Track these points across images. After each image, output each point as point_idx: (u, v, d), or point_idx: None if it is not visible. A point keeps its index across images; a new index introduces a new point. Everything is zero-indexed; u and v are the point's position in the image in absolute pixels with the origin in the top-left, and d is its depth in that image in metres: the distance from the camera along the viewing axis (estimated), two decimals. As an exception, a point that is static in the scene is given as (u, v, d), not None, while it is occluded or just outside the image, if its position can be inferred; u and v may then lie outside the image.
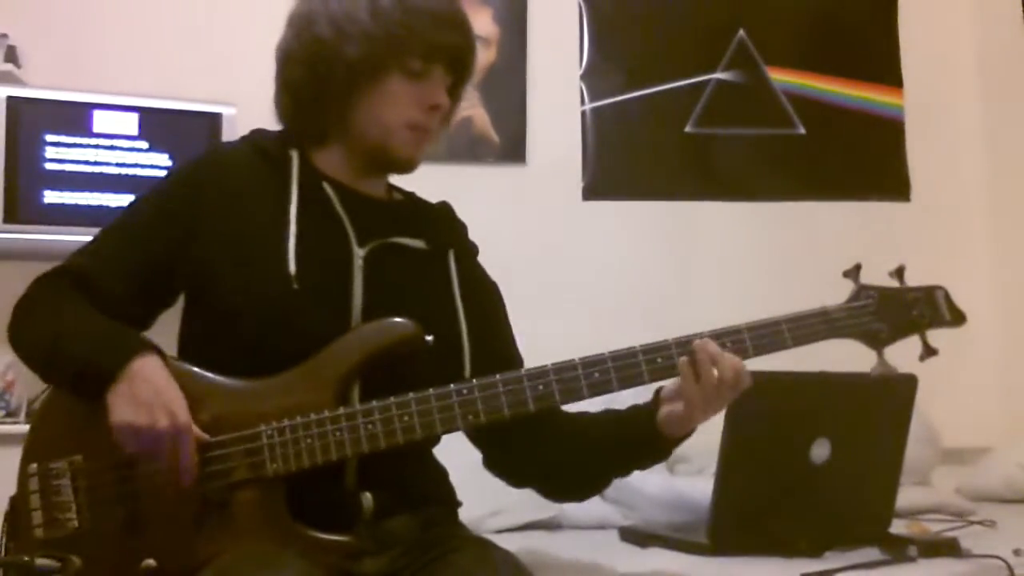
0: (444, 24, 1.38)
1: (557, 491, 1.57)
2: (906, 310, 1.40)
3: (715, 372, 1.30)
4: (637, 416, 1.41)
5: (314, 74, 1.38)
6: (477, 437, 1.48)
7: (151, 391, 1.23)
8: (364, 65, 1.36)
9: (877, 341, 1.39)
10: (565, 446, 1.45)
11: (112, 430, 1.23)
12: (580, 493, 1.54)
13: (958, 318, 1.42)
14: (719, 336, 1.33)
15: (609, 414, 1.46)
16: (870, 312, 1.39)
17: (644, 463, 1.45)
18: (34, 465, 1.28)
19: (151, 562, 1.24)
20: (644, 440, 1.40)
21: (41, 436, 1.32)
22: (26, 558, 1.21)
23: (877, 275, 1.43)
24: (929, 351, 1.39)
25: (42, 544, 1.25)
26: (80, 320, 1.31)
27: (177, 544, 1.24)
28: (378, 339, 1.32)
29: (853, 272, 1.41)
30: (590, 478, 1.49)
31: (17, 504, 1.28)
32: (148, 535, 1.25)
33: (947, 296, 1.43)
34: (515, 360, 1.51)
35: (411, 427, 1.27)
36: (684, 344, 1.33)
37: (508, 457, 1.50)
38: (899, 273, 1.42)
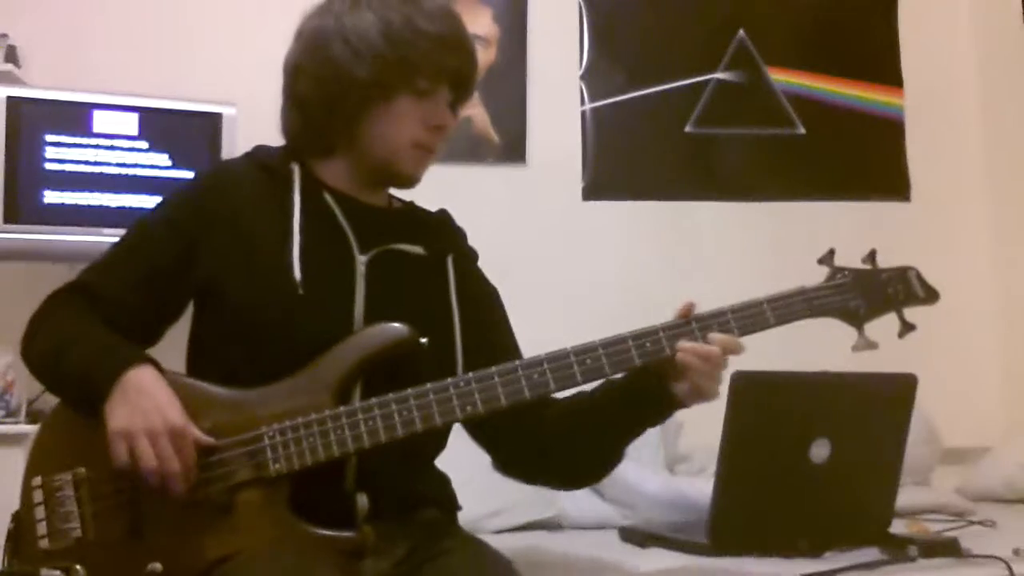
0: (451, 47, 1.42)
1: (571, 476, 1.56)
2: (881, 288, 1.44)
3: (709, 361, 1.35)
4: (639, 379, 1.40)
5: (325, 91, 1.40)
6: (482, 437, 1.49)
7: (144, 398, 1.24)
8: (376, 85, 1.39)
9: (856, 318, 1.43)
10: (569, 428, 1.45)
11: (108, 441, 1.23)
12: (594, 473, 1.53)
13: (931, 295, 1.46)
14: (704, 319, 1.39)
15: (602, 386, 1.45)
16: (847, 289, 1.43)
17: (653, 423, 1.45)
18: (38, 478, 1.29)
19: (157, 566, 1.24)
20: (653, 399, 1.40)
21: (44, 449, 1.33)
22: (30, 568, 1.21)
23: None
24: (907, 327, 1.43)
25: (46, 555, 1.25)
26: (79, 337, 1.32)
27: (183, 547, 1.25)
28: (374, 342, 1.34)
29: (827, 257, 1.46)
30: (603, 453, 1.48)
31: (21, 517, 1.29)
32: (153, 540, 1.25)
33: (919, 275, 1.47)
34: (514, 360, 1.51)
35: (410, 420, 1.29)
36: (671, 328, 1.38)
37: (517, 452, 1.50)
38: (871, 257, 1.46)
